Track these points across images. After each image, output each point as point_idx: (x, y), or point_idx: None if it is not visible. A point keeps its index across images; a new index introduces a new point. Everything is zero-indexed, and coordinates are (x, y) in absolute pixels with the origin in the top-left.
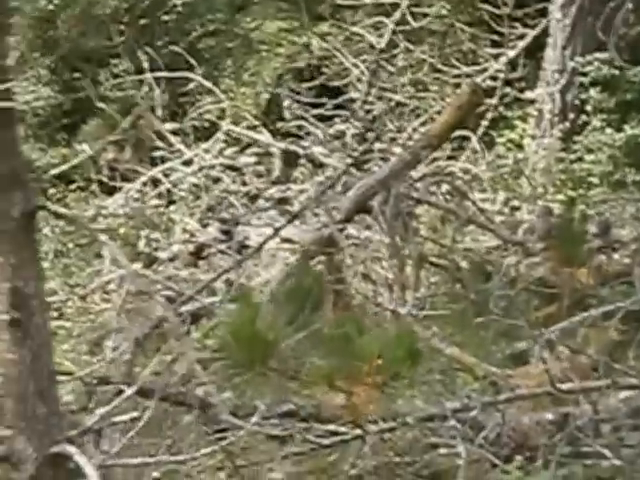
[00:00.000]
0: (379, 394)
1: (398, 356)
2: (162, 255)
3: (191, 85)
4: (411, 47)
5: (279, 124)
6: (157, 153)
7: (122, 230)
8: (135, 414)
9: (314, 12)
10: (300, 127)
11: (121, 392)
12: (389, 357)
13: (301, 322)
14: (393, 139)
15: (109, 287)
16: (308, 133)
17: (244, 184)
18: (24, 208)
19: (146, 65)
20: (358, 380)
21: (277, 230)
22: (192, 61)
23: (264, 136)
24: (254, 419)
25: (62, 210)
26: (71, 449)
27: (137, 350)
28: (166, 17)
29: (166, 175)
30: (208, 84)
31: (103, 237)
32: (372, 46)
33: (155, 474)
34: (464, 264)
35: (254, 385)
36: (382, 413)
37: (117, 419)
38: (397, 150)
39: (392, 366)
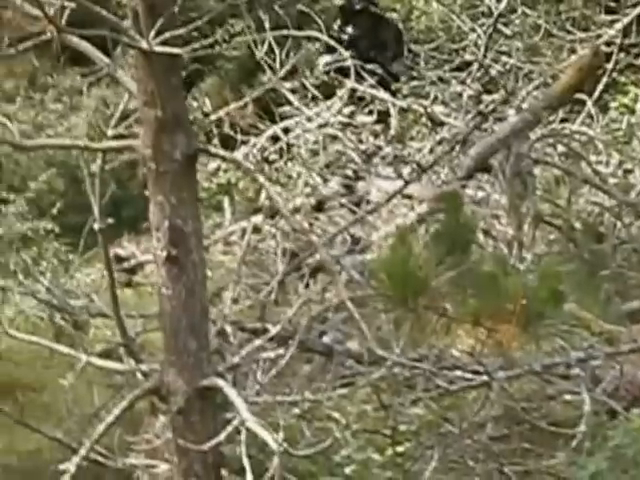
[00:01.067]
0: (523, 332)
1: (542, 296)
2: (283, 208)
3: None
4: (528, 12)
5: (397, 84)
6: (277, 110)
7: (241, 184)
8: (279, 352)
9: None
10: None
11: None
12: (533, 297)
13: (451, 262)
14: (506, 101)
15: (231, 239)
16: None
17: (361, 142)
18: (186, 150)
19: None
20: (503, 318)
21: (405, 184)
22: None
23: (385, 94)
24: (382, 370)
25: (222, 152)
26: (221, 382)
27: (266, 299)
28: None
29: (285, 132)
30: (333, 43)
31: (261, 178)
32: (490, 10)
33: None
34: (578, 224)
35: (404, 320)
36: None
37: (263, 356)
38: (511, 112)
39: (536, 306)
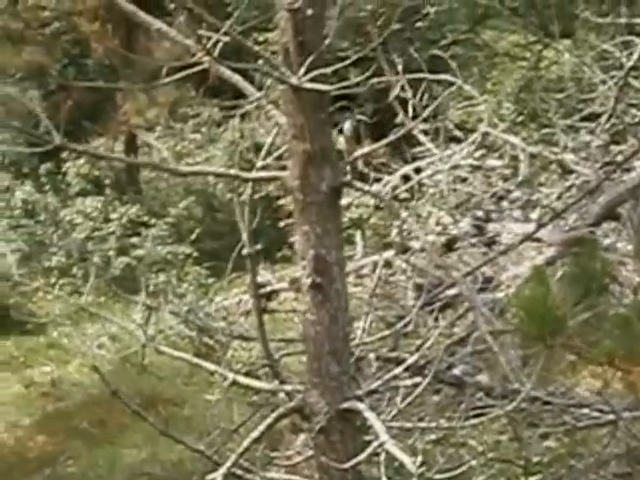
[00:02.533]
0: None
1: None
2: (414, 245)
3: (439, 88)
4: None
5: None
6: (409, 150)
7: (372, 220)
8: (416, 380)
9: (547, 29)
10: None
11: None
12: None
13: (586, 304)
14: (636, 152)
15: (362, 271)
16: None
17: (490, 185)
18: (332, 183)
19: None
20: (636, 361)
21: (538, 228)
22: (452, 65)
23: (516, 139)
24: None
25: (367, 187)
26: (361, 406)
27: (398, 330)
28: (419, 24)
29: (417, 171)
30: (468, 87)
31: (404, 213)
32: (621, 64)
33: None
34: None
35: (538, 357)
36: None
37: (400, 383)
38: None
39: None
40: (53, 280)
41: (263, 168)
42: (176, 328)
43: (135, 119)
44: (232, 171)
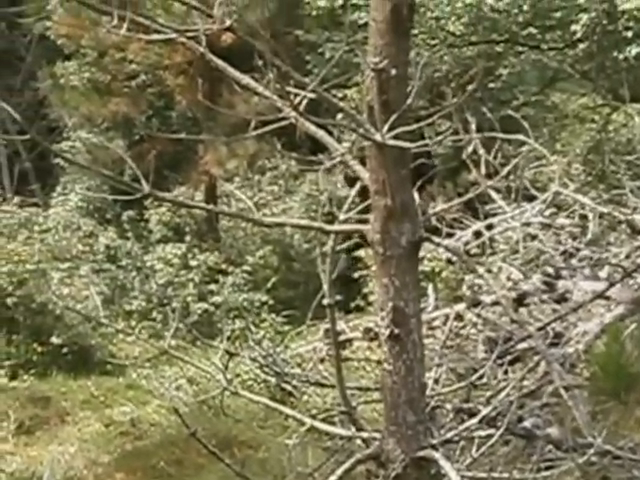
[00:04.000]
0: None
1: None
2: (485, 299)
3: (510, 147)
4: None
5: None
6: (481, 207)
7: (444, 273)
8: (490, 431)
9: (616, 92)
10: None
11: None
12: None
13: None
14: None
15: (433, 323)
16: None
17: (560, 243)
18: (411, 238)
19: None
20: None
21: (610, 286)
22: (525, 125)
23: (586, 199)
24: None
25: (445, 242)
26: (436, 455)
27: (472, 382)
28: (492, 85)
29: (488, 227)
30: (540, 147)
31: (480, 269)
32: None
33: None
34: None
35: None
36: None
37: (474, 434)
38: None
39: None
40: (133, 323)
41: (345, 221)
42: (251, 373)
43: (215, 170)
44: (315, 223)
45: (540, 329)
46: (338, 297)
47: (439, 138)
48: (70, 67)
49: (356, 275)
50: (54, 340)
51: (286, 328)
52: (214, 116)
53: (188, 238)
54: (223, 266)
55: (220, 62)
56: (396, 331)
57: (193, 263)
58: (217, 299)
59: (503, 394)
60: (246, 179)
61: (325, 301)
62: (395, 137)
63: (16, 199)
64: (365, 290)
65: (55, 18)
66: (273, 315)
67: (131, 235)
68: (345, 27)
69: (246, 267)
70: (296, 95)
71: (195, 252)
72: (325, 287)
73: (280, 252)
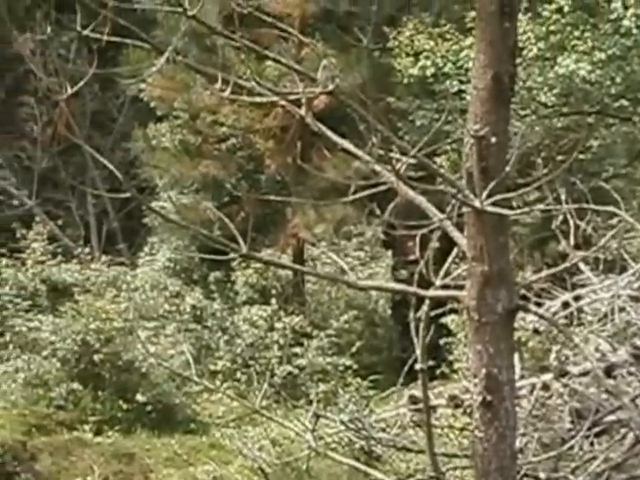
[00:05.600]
0: None
1: None
2: (573, 370)
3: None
4: None
5: None
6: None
7: (530, 343)
8: None
9: None
10: None
11: None
12: None
13: None
14: None
15: (519, 392)
16: None
17: None
18: (507, 305)
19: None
20: None
21: None
22: (616, 197)
23: None
24: None
25: (541, 311)
26: None
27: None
28: (581, 156)
29: (575, 298)
30: (631, 220)
31: (576, 339)
32: None
33: None
34: None
35: None
36: None
37: None
38: None
39: None
40: (218, 383)
41: (442, 287)
42: (335, 436)
43: (304, 233)
44: (411, 288)
45: (632, 400)
46: (430, 363)
47: (539, 207)
48: (162, 129)
49: (441, 342)
50: (139, 397)
51: (371, 393)
52: (303, 180)
53: (274, 300)
54: (308, 329)
55: (321, 125)
56: (489, 398)
57: (278, 325)
58: (301, 362)
59: (593, 466)
60: (332, 244)
61: (418, 366)
62: (494, 204)
63: (104, 258)
64: (450, 357)
65: (149, 80)
66: (358, 379)
67: (217, 296)
68: (436, 95)
69: (330, 331)
70: (398, 160)
71: (280, 314)
72: (418, 352)
73: (364, 317)
